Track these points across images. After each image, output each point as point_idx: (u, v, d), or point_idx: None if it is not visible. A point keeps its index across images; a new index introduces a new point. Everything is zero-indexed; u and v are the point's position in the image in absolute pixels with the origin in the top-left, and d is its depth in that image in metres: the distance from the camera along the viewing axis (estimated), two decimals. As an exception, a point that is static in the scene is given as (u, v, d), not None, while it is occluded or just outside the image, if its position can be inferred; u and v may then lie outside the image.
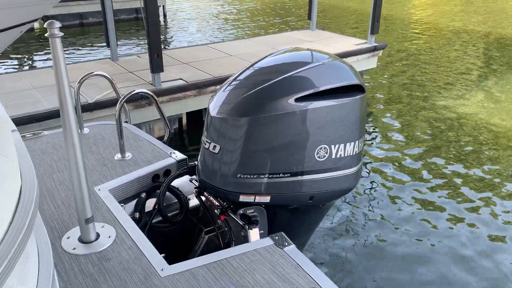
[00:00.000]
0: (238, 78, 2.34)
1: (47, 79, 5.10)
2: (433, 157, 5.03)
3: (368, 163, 4.90)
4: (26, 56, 9.01)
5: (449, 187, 4.45)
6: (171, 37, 10.88)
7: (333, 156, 2.28)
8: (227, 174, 2.22)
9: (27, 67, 8.29)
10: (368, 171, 4.74)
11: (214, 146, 2.24)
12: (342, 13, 13.80)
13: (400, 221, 3.92)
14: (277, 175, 2.22)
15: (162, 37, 10.87)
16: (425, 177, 4.62)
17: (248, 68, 2.36)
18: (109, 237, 2.04)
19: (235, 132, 2.18)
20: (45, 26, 1.59)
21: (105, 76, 3.18)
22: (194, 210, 2.72)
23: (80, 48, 9.62)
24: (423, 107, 6.42)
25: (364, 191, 4.36)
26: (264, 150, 2.17)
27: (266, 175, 2.20)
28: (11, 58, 8.78)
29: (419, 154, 5.10)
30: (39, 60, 8.73)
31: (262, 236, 2.36)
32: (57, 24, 1.63)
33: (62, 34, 1.66)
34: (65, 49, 9.55)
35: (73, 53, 9.22)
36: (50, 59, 8.64)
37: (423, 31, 11.24)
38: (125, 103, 3.53)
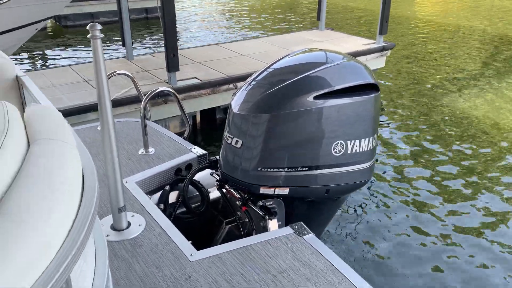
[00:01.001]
0: (258, 78, 2.48)
1: (66, 77, 5.26)
2: (442, 154, 5.14)
3: (378, 158, 5.02)
4: (39, 54, 9.19)
5: (462, 181, 4.56)
6: (181, 37, 11.03)
7: (349, 152, 2.41)
8: (248, 167, 2.35)
9: (40, 65, 8.46)
10: (379, 166, 4.86)
11: (237, 141, 2.38)
12: (351, 13, 13.89)
13: (410, 214, 4.04)
14: (296, 169, 2.35)
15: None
16: (435, 172, 4.73)
17: (267, 68, 2.50)
18: (140, 225, 2.18)
19: (256, 128, 2.32)
20: (87, 28, 1.73)
21: (127, 75, 3.33)
22: (214, 202, 2.86)
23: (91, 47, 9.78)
24: (433, 106, 6.53)
25: (373, 186, 4.49)
26: (283, 145, 2.31)
27: (285, 169, 2.34)
28: (24, 56, 8.96)
29: (428, 151, 5.21)
30: (51, 58, 8.90)
31: (280, 227, 2.49)
32: (98, 27, 1.76)
33: (103, 35, 1.80)
34: (77, 48, 9.71)
35: (86, 52, 9.39)
36: (62, 57, 8.81)
37: (430, 30, 11.32)
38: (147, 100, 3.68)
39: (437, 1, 15.86)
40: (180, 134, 5.00)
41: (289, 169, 2.34)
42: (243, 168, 2.38)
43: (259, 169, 2.34)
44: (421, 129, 5.80)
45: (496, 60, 8.87)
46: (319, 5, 8.00)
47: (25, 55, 9.10)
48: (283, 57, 2.59)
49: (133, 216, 2.26)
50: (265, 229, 2.40)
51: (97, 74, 1.85)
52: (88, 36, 1.76)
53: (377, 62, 7.04)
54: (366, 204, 4.18)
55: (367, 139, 2.46)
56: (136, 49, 9.58)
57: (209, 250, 2.00)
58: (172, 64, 4.71)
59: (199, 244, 2.86)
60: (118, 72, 3.34)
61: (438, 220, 4.01)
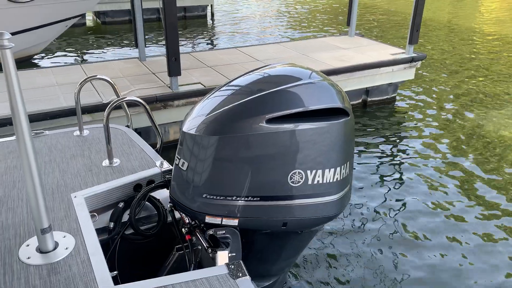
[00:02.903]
0: (214, 94, 2.25)
1: (71, 76, 5.23)
2: (469, 180, 4.66)
3: (395, 184, 4.63)
4: (77, 50, 9.38)
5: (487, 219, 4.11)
6: (215, 38, 10.93)
7: (309, 182, 2.13)
8: (193, 193, 2.13)
9: (75, 61, 8.61)
10: (394, 191, 4.48)
11: (183, 163, 2.16)
12: (392, 19, 13.27)
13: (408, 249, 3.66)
14: (246, 199, 2.10)
15: (205, 37, 10.96)
16: (457, 204, 4.29)
17: (227, 84, 2.27)
18: (66, 248, 2.02)
19: (203, 150, 2.09)
20: (-7, 37, 1.57)
21: (106, 80, 3.19)
22: (178, 221, 2.66)
23: (123, 44, 9.89)
24: (465, 126, 6.00)
25: (384, 214, 4.12)
26: (232, 171, 2.07)
27: (234, 198, 2.10)
28: (61, 51, 9.18)
29: (453, 177, 4.75)
30: (88, 54, 9.04)
31: (234, 258, 2.26)
32: (7, 36, 1.60)
33: (13, 45, 1.63)
34: (109, 46, 9.84)
35: (116, 49, 9.48)
36: (96, 53, 8.95)
37: (487, 45, 10.55)
38: (127, 107, 3.54)
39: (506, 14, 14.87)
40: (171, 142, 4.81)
41: (238, 198, 2.10)
42: (188, 193, 2.16)
43: (204, 195, 2.12)
44: (447, 152, 5.32)
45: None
46: (350, 10, 7.61)
47: (55, 50, 9.32)
48: (248, 72, 2.35)
49: (64, 237, 2.09)
50: (214, 261, 2.18)
51: (8, 85, 1.69)
52: (-6, 46, 1.59)
53: (404, 73, 6.57)
54: (350, 239, 3.81)
55: (332, 170, 2.17)
56: (159, 50, 9.59)
57: (126, 286, 1.80)
58: (173, 68, 4.55)
59: (150, 269, 2.67)
60: (98, 76, 3.22)
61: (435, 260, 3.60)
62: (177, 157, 2.23)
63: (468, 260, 3.55)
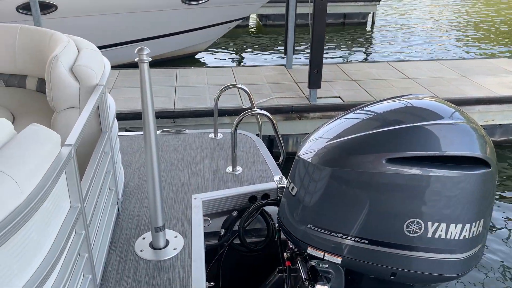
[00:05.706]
0: (342, 118, 2.14)
1: (221, 78, 5.56)
2: None
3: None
4: (234, 51, 10.07)
5: None
6: (369, 49, 10.57)
7: (429, 235, 1.89)
8: (298, 220, 2.07)
9: (231, 60, 9.26)
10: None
11: (293, 188, 2.11)
12: None
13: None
14: (353, 239, 1.95)
15: (359, 47, 10.69)
16: None
17: (353, 111, 2.14)
18: (175, 249, 2.15)
19: (315, 180, 2.01)
20: (135, 52, 1.74)
21: (244, 89, 3.33)
22: (286, 242, 2.64)
23: (277, 48, 10.24)
24: None
25: None
26: (341, 208, 1.94)
27: (340, 235, 1.97)
28: (221, 51, 9.95)
29: None
30: (242, 56, 9.62)
31: (333, 297, 2.14)
32: (146, 51, 1.75)
33: (150, 59, 1.78)
34: (263, 49, 10.28)
35: (269, 52, 9.86)
36: (250, 54, 9.45)
37: None
38: (259, 116, 3.63)
39: None
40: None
41: (345, 237, 1.97)
42: (293, 220, 2.10)
43: (309, 226, 2.03)
44: None
45: None
46: (531, 29, 6.54)
47: (217, 49, 10.11)
48: (383, 100, 2.17)
49: (176, 237, 2.24)
50: (311, 294, 2.09)
51: (142, 96, 1.85)
52: (135, 59, 1.76)
53: None
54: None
55: (460, 225, 1.88)
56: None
57: (216, 301, 1.84)
58: (314, 80, 4.51)
59: (249, 283, 2.69)
60: (237, 85, 3.37)
61: None
62: (288, 180, 2.19)
63: None
